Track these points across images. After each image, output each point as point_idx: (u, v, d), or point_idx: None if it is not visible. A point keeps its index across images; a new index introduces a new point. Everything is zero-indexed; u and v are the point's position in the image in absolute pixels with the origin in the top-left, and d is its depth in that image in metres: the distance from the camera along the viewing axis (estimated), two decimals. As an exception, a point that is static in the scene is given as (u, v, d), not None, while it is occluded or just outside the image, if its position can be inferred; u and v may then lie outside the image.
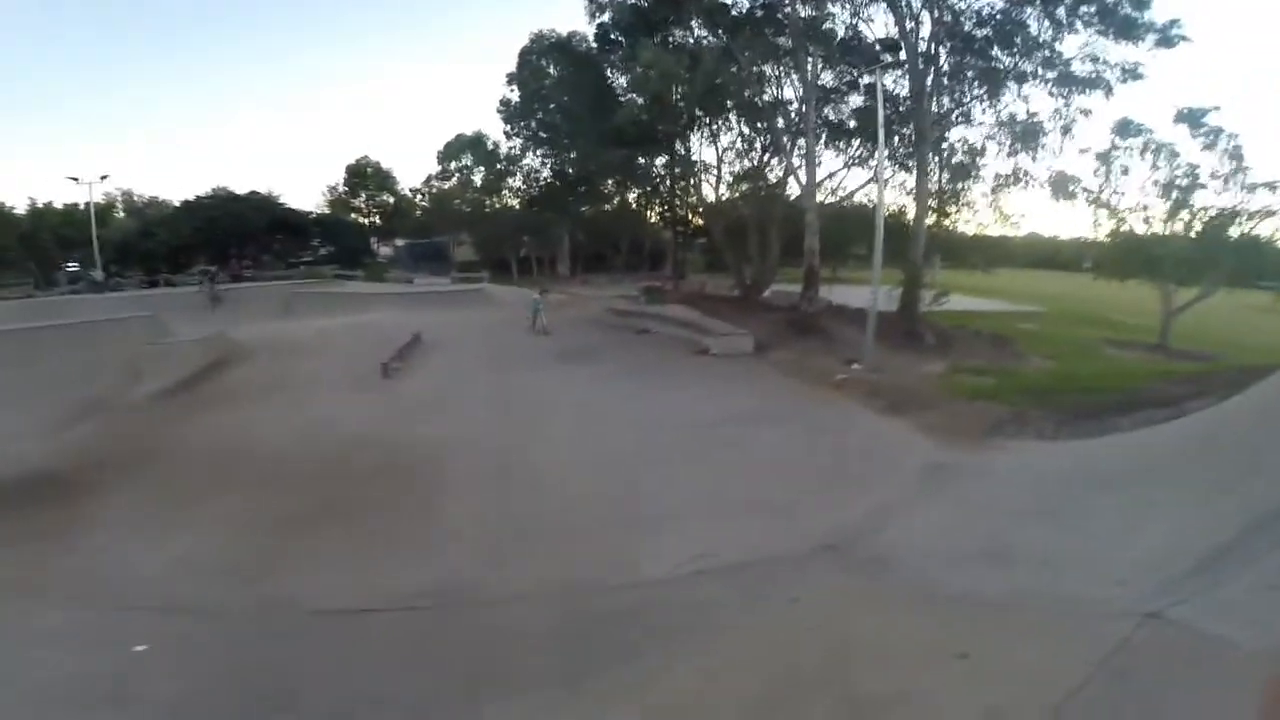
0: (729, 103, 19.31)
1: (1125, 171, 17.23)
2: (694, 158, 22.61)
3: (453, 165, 38.68)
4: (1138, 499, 5.41)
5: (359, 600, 4.32)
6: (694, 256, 34.85)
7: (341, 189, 42.59)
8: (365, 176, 42.28)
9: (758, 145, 21.32)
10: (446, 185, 39.93)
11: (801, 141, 17.91)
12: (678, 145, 21.32)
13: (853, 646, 3.90)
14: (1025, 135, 17.57)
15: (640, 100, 17.49)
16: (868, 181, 19.77)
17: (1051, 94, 16.81)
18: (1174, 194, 16.39)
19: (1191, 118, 15.98)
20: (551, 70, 22.52)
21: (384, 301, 20.69)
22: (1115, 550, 4.70)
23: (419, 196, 42.21)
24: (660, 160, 22.83)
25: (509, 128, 25.62)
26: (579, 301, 21.97)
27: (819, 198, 17.96)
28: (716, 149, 22.27)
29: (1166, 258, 16.16)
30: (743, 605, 4.45)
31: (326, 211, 41.34)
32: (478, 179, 37.90)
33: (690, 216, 26.87)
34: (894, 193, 19.79)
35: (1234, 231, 15.80)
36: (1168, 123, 16.38)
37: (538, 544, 5.41)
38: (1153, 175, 16.73)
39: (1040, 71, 16.50)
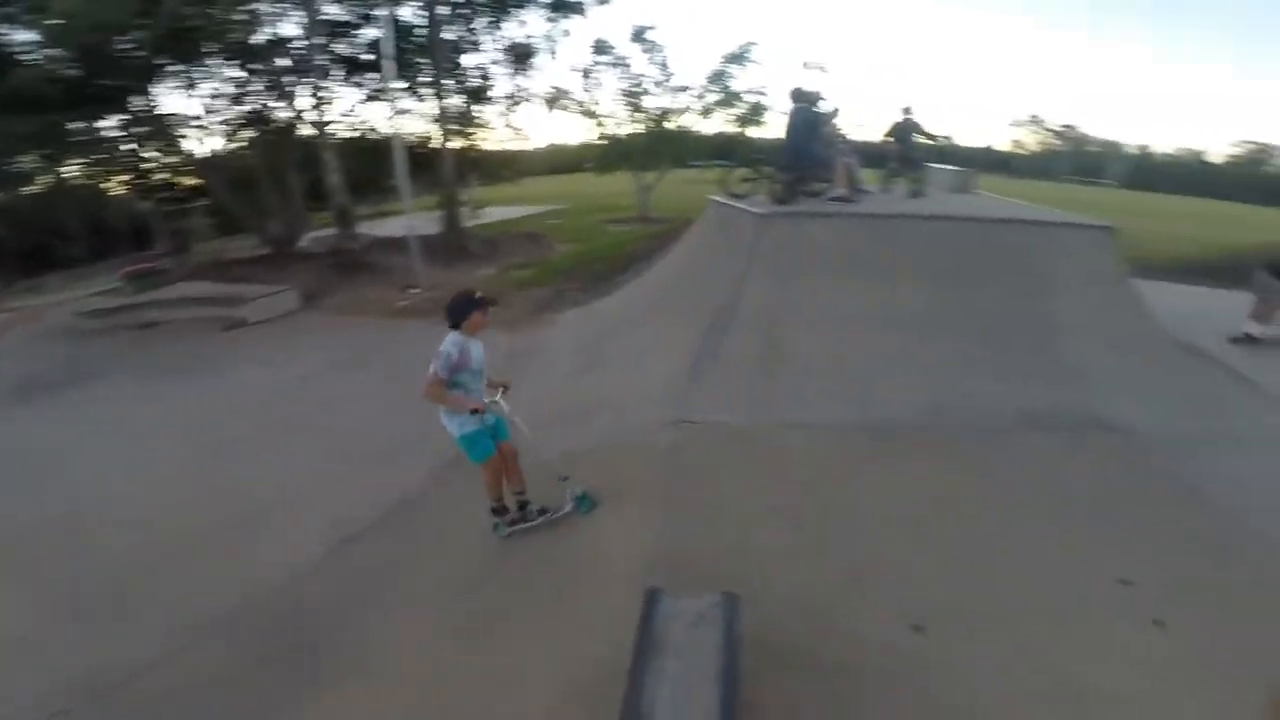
0: (209, 46, 15.75)
1: (600, 83, 20.55)
2: (166, 111, 17.91)
3: None
4: (645, 337, 7.12)
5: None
6: (197, 223, 28.38)
7: None
8: None
9: (257, 88, 18.15)
10: None
11: (311, 80, 16.18)
12: (136, 99, 16.52)
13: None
14: (522, 57, 19.46)
15: (62, 54, 12.98)
16: (399, 113, 19.11)
17: (545, 19, 18.94)
18: (630, 99, 20.30)
19: (639, 35, 19.64)
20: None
21: None
22: (646, 379, 6.12)
23: None
24: (114, 119, 17.34)
25: None
26: (26, 316, 15.43)
27: (341, 134, 16.97)
28: (200, 98, 18.09)
29: (634, 151, 20.39)
30: (406, 544, 4.55)
31: None
32: None
33: (174, 178, 21.55)
34: (421, 121, 19.67)
35: (670, 125, 20.52)
36: (627, 40, 19.88)
37: (159, 582, 4.51)
38: (618, 85, 20.38)
39: (537, -1, 18.30)
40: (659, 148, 20.35)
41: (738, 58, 19.62)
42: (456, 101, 19.27)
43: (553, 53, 19.63)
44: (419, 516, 5.01)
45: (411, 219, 12.84)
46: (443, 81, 17.45)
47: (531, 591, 3.71)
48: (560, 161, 48.52)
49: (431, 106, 18.52)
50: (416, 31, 17.52)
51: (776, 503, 4.07)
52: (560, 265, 12.60)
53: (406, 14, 16.76)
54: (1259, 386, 5.76)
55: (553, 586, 3.68)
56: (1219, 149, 70.21)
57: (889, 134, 9.49)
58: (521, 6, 18.67)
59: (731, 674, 2.26)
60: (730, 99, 20.05)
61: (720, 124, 20.79)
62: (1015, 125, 75.87)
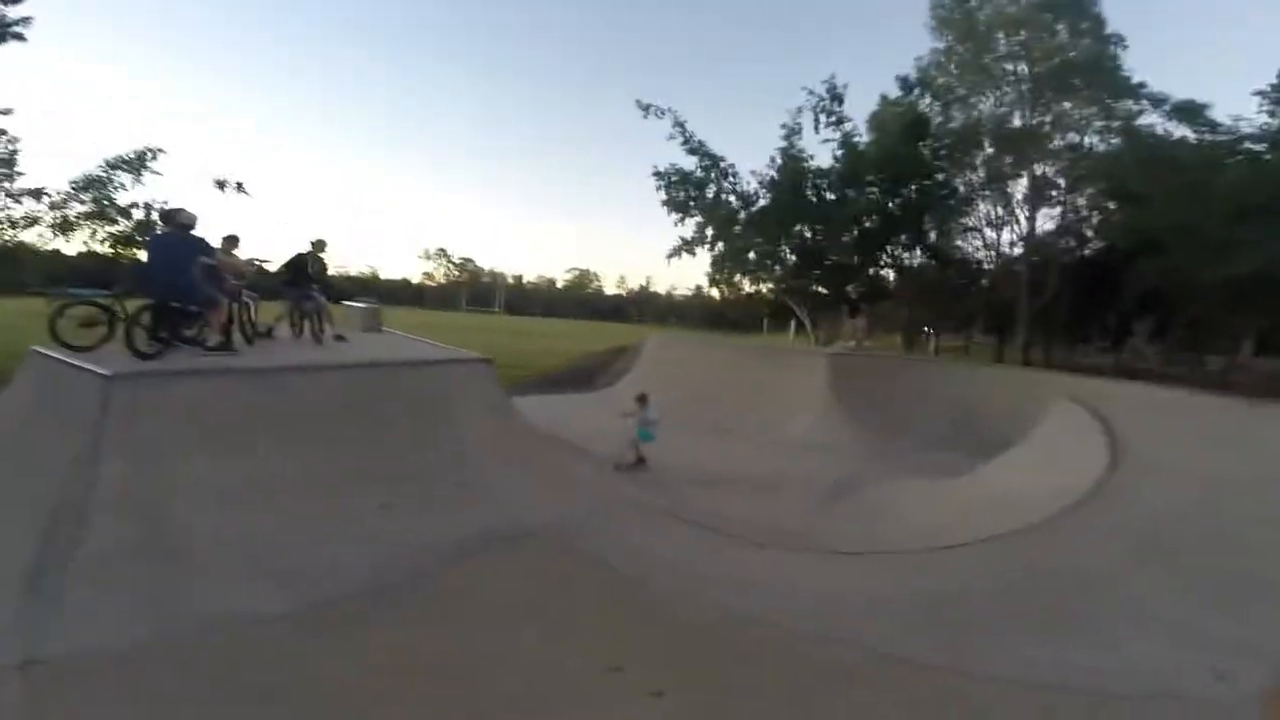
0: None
1: None
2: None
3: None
4: None
5: None
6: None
7: None
8: None
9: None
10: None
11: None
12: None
13: None
14: None
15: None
16: None
17: None
18: None
19: None
20: None
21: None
22: None
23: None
24: None
25: None
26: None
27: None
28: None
29: None
30: None
31: None
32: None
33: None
34: None
35: None
36: None
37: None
38: None
39: None
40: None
41: (133, 164, 15.50)
42: None
43: None
44: None
45: None
46: None
47: None
48: None
49: None
50: None
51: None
52: None
53: None
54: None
55: None
56: (561, 275, 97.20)
57: (285, 267, 8.97)
58: None
59: None
60: (108, 213, 15.57)
61: (88, 242, 15.92)
62: (425, 258, 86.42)
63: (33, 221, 15.20)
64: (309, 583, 4.61)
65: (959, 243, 30.57)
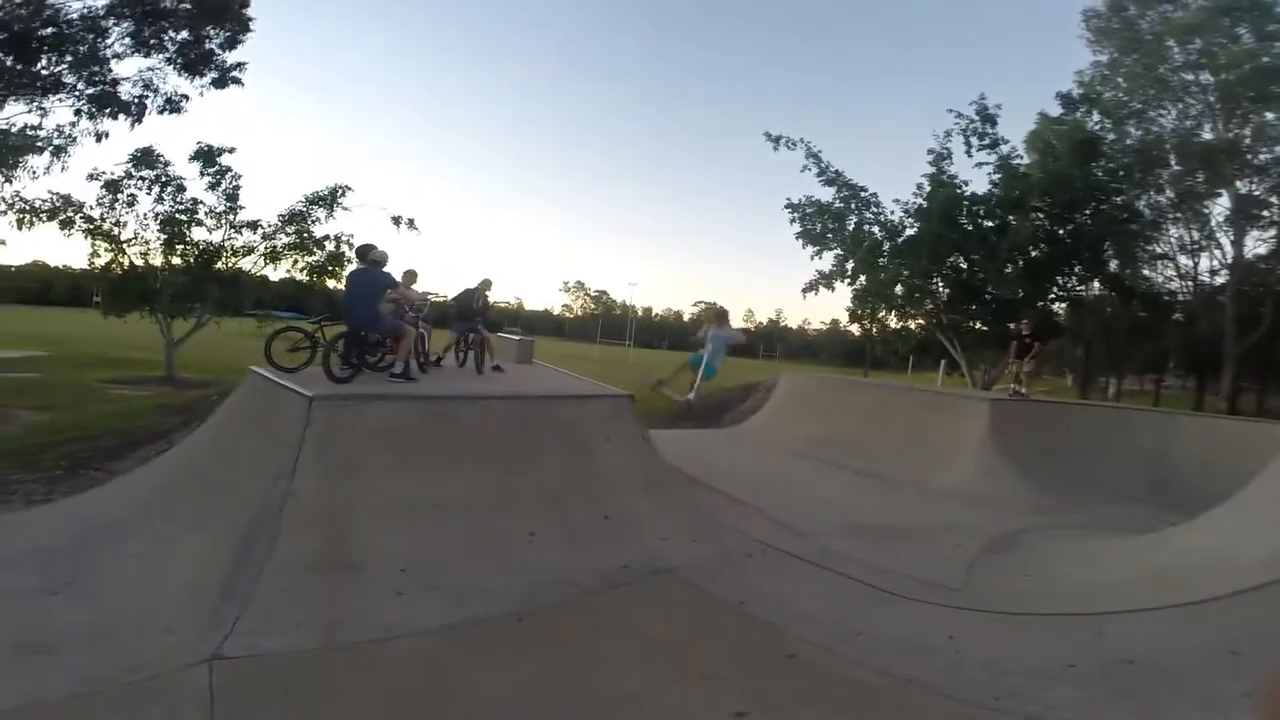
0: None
1: (132, 202, 16.44)
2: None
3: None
4: (150, 542, 5.39)
5: None
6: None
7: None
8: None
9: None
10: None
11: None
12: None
13: None
14: (10, 150, 14.66)
15: None
16: None
17: (79, 112, 14.93)
18: (174, 228, 16.64)
19: (206, 156, 16.70)
20: None
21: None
22: (149, 600, 4.55)
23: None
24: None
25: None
26: None
27: None
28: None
29: (163, 290, 16.60)
30: None
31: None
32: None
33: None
34: None
35: (220, 265, 17.31)
36: (184, 157, 16.70)
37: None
38: (157, 208, 16.60)
39: (80, 87, 14.46)
40: (200, 290, 16.91)
41: (326, 200, 17.56)
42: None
43: (59, 152, 15.77)
44: None
45: None
46: None
47: None
48: (44, 288, 37.23)
49: None
50: None
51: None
52: (11, 445, 8.61)
53: None
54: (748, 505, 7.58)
55: None
56: (687, 307, 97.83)
57: (455, 301, 9.83)
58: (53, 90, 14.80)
59: None
60: (307, 244, 17.62)
61: (290, 270, 18.12)
62: (564, 290, 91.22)
63: (249, 250, 17.59)
64: (464, 600, 4.84)
65: (1146, 272, 26.74)
